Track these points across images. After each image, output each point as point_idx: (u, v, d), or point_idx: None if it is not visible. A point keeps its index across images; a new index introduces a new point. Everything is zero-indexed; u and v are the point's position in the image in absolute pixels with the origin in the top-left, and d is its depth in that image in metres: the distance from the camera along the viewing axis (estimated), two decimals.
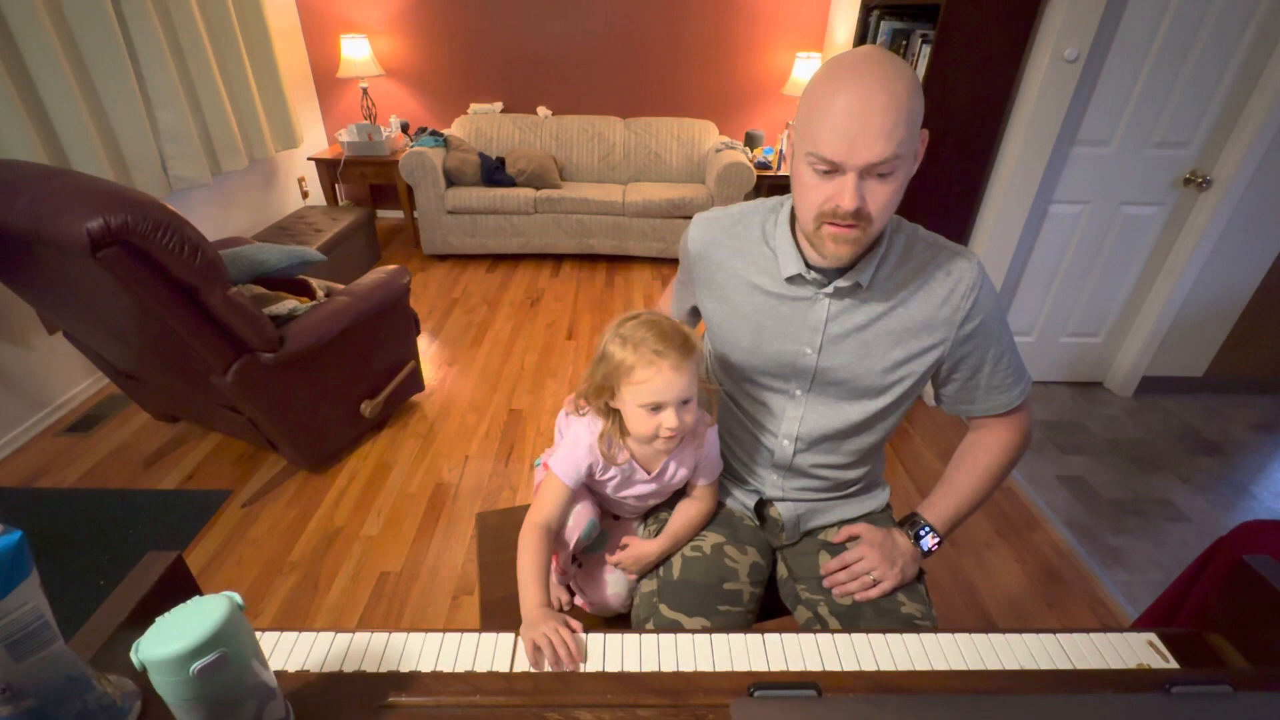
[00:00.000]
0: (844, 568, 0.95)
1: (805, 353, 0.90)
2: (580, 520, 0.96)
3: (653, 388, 0.81)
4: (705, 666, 0.68)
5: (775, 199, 0.93)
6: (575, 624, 0.74)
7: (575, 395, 0.93)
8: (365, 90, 3.90)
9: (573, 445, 0.92)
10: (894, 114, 0.71)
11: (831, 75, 0.74)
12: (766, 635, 0.72)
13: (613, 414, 0.89)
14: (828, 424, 0.94)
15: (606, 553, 1.03)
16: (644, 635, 0.72)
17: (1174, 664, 0.70)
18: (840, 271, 0.85)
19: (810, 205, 0.78)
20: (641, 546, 0.97)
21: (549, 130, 3.89)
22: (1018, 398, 0.94)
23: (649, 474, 0.95)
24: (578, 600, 1.05)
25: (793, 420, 0.95)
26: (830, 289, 0.86)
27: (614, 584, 1.01)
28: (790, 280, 0.87)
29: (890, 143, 0.71)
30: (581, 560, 1.04)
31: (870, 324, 0.87)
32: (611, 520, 1.08)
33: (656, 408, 0.83)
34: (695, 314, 1.06)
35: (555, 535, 0.91)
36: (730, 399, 1.02)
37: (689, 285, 1.01)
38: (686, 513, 1.00)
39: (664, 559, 0.98)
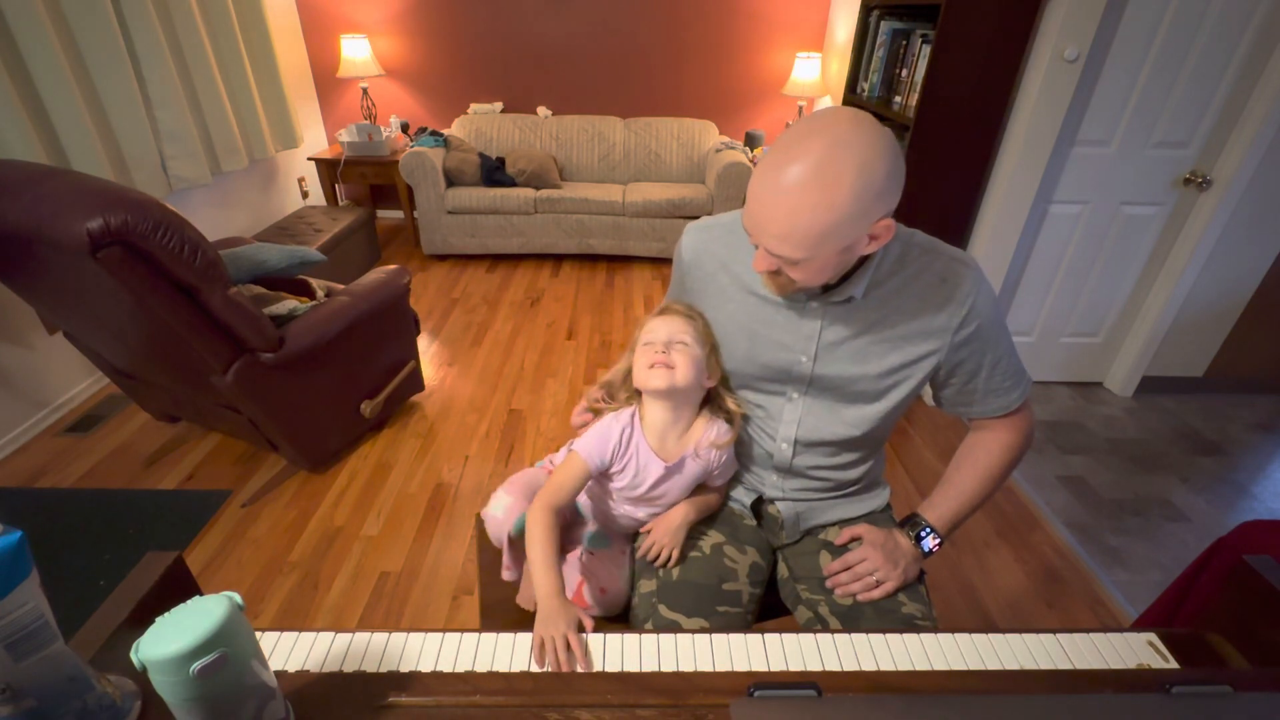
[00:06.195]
0: (847, 568, 0.95)
1: (800, 361, 0.90)
2: (512, 514, 0.99)
3: (648, 329, 0.93)
4: (705, 666, 0.68)
5: None
6: (588, 623, 0.74)
7: (600, 385, 1.00)
8: (365, 90, 3.90)
9: (603, 428, 0.93)
10: (801, 224, 0.69)
11: (780, 145, 0.71)
12: (766, 635, 0.72)
13: (636, 398, 0.95)
14: (825, 427, 0.94)
15: (611, 556, 1.03)
16: (644, 635, 0.72)
17: (1174, 664, 0.70)
18: (831, 285, 0.85)
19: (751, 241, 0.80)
20: (670, 519, 0.97)
21: (549, 130, 3.89)
22: (1016, 400, 0.94)
23: (665, 463, 0.94)
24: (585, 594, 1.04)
25: (790, 424, 0.95)
26: (824, 300, 0.86)
27: (622, 579, 1.02)
28: None
29: (786, 245, 0.71)
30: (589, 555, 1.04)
31: (865, 331, 0.87)
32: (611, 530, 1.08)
33: (650, 343, 0.91)
34: None
35: (562, 515, 0.91)
36: None
37: (682, 294, 1.01)
38: (703, 493, 1.02)
39: (690, 526, 0.98)
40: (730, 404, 0.95)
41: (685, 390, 0.91)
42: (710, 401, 0.97)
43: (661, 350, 0.88)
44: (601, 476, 0.96)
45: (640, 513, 1.00)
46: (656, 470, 0.94)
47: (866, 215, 0.70)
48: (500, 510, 0.99)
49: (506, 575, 1.02)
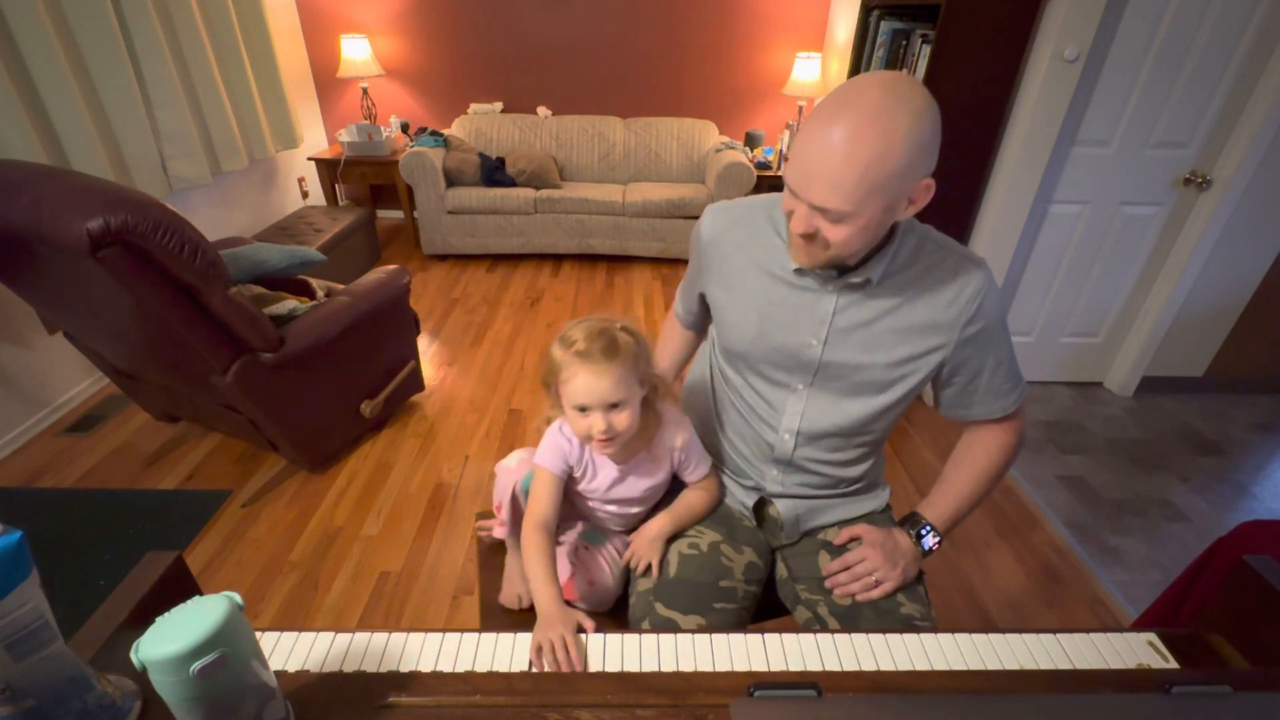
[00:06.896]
0: (846, 568, 0.95)
1: (810, 345, 0.90)
2: (523, 469, 1.00)
3: (575, 388, 0.86)
4: (705, 666, 0.68)
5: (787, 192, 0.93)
6: (589, 624, 0.75)
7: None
8: (365, 90, 3.90)
9: (555, 437, 0.96)
10: (855, 172, 0.69)
11: (830, 100, 0.72)
12: (766, 635, 0.72)
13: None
14: (828, 419, 0.94)
15: (604, 552, 1.03)
16: (644, 635, 0.72)
17: (1174, 664, 0.71)
18: (850, 267, 0.85)
19: (784, 208, 0.81)
20: (646, 530, 0.98)
21: (549, 130, 3.89)
22: (1013, 404, 0.94)
23: (619, 464, 0.97)
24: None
25: (794, 415, 0.95)
26: (840, 283, 0.86)
27: (612, 575, 1.02)
28: (799, 271, 0.88)
29: (837, 196, 0.71)
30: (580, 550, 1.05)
31: (876, 320, 0.88)
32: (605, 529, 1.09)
33: (583, 409, 0.86)
34: (704, 303, 1.06)
35: (551, 530, 0.92)
36: (733, 390, 1.02)
37: (698, 273, 1.02)
38: (686, 497, 1.02)
39: (667, 537, 0.98)
40: (664, 390, 0.96)
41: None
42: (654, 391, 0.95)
43: (603, 432, 0.85)
44: (568, 480, 0.98)
45: (611, 507, 1.01)
46: (611, 472, 0.96)
47: (914, 169, 0.71)
48: (514, 461, 1.02)
49: (498, 532, 1.04)
